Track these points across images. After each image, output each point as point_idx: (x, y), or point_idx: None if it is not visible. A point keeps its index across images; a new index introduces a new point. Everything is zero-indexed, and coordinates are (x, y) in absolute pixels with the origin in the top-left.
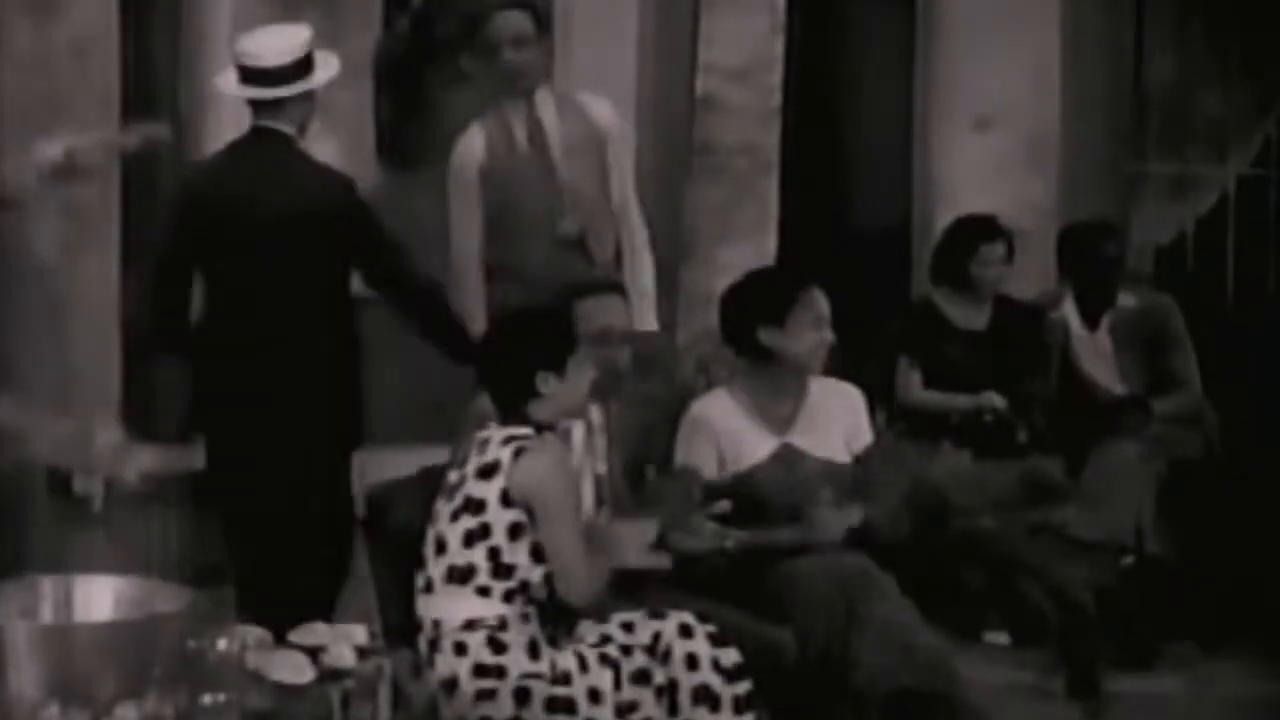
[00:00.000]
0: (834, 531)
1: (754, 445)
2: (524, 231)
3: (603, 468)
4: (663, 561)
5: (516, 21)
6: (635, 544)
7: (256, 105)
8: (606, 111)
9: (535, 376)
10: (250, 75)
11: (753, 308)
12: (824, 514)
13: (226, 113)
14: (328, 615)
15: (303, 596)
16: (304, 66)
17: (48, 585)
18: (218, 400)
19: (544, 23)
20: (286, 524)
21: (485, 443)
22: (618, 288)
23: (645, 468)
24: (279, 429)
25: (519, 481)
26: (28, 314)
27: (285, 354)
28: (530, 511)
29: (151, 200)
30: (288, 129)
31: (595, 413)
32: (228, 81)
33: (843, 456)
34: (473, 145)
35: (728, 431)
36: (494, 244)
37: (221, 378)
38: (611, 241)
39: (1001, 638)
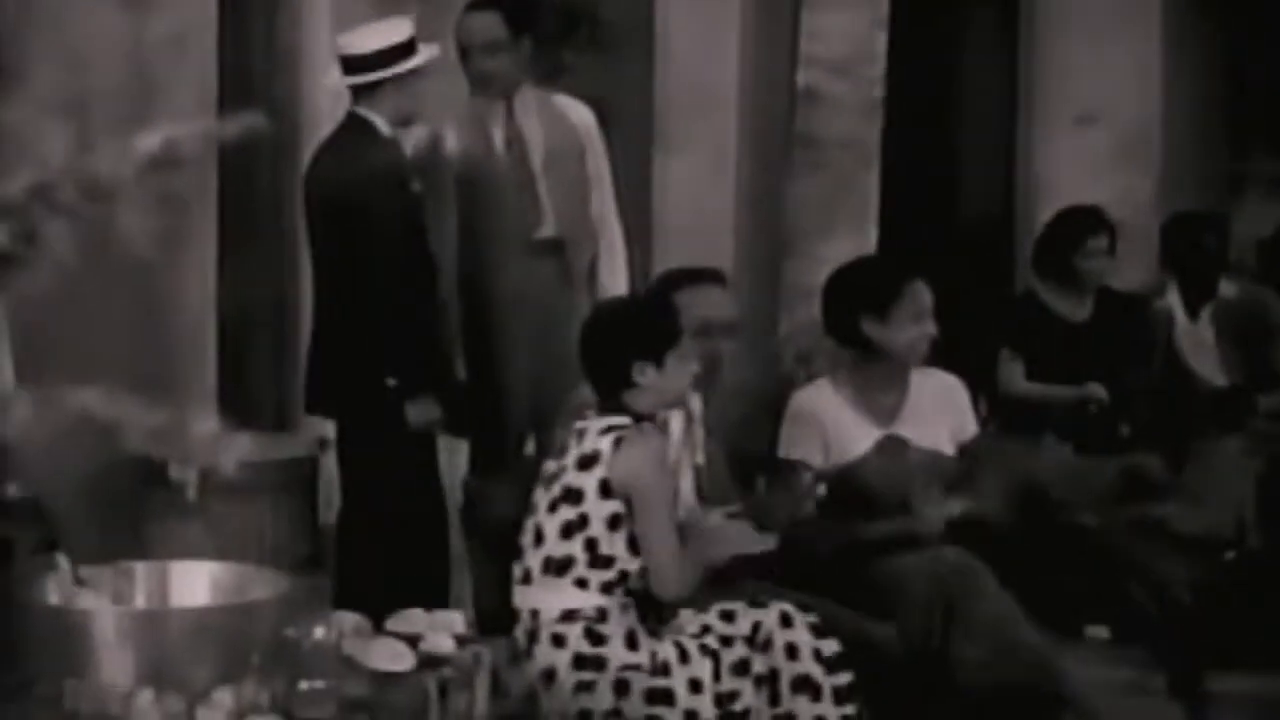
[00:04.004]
0: (936, 523)
1: (858, 437)
2: (498, 238)
3: (702, 459)
4: (767, 543)
5: (487, 25)
6: (733, 540)
7: (355, 93)
8: (585, 116)
9: (633, 367)
10: (348, 64)
11: (855, 298)
12: (927, 505)
13: (324, 103)
14: (438, 603)
15: (409, 584)
16: (401, 52)
17: (142, 571)
18: (339, 382)
19: (521, 25)
20: (400, 509)
21: (583, 433)
22: (719, 278)
23: (748, 460)
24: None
25: (618, 472)
26: (124, 305)
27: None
28: (629, 502)
29: (248, 191)
30: (375, 117)
31: (695, 403)
32: (333, 76)
33: (947, 448)
34: (449, 145)
35: (832, 423)
36: (467, 249)
37: (339, 359)
38: (589, 249)
39: (1102, 633)
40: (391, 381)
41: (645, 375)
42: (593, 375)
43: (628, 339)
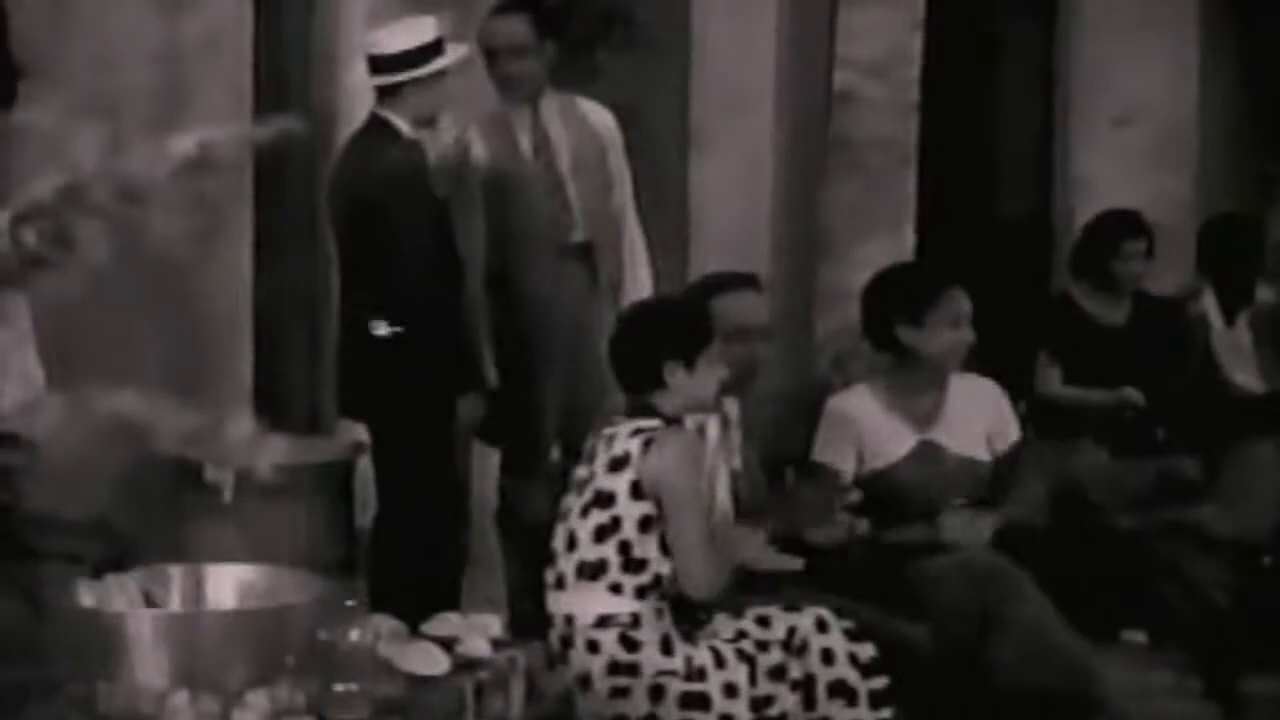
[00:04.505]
0: (963, 539)
1: (894, 441)
2: (528, 242)
3: (738, 463)
4: (793, 563)
5: (514, 28)
6: (753, 545)
7: (380, 93)
8: (606, 119)
9: (664, 366)
10: (376, 63)
11: (892, 304)
12: (954, 519)
13: (359, 105)
14: (454, 604)
15: (431, 585)
16: (428, 53)
17: (177, 574)
18: (368, 386)
19: (546, 28)
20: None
21: (612, 437)
22: (755, 283)
23: (784, 464)
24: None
25: (647, 473)
26: (158, 307)
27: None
28: (659, 503)
29: (283, 192)
30: (396, 118)
31: (732, 408)
32: (360, 74)
33: (983, 454)
34: (476, 151)
35: (868, 428)
36: (496, 255)
37: (367, 362)
38: (616, 253)
39: (1139, 637)
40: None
41: (675, 376)
42: (623, 374)
43: (661, 338)
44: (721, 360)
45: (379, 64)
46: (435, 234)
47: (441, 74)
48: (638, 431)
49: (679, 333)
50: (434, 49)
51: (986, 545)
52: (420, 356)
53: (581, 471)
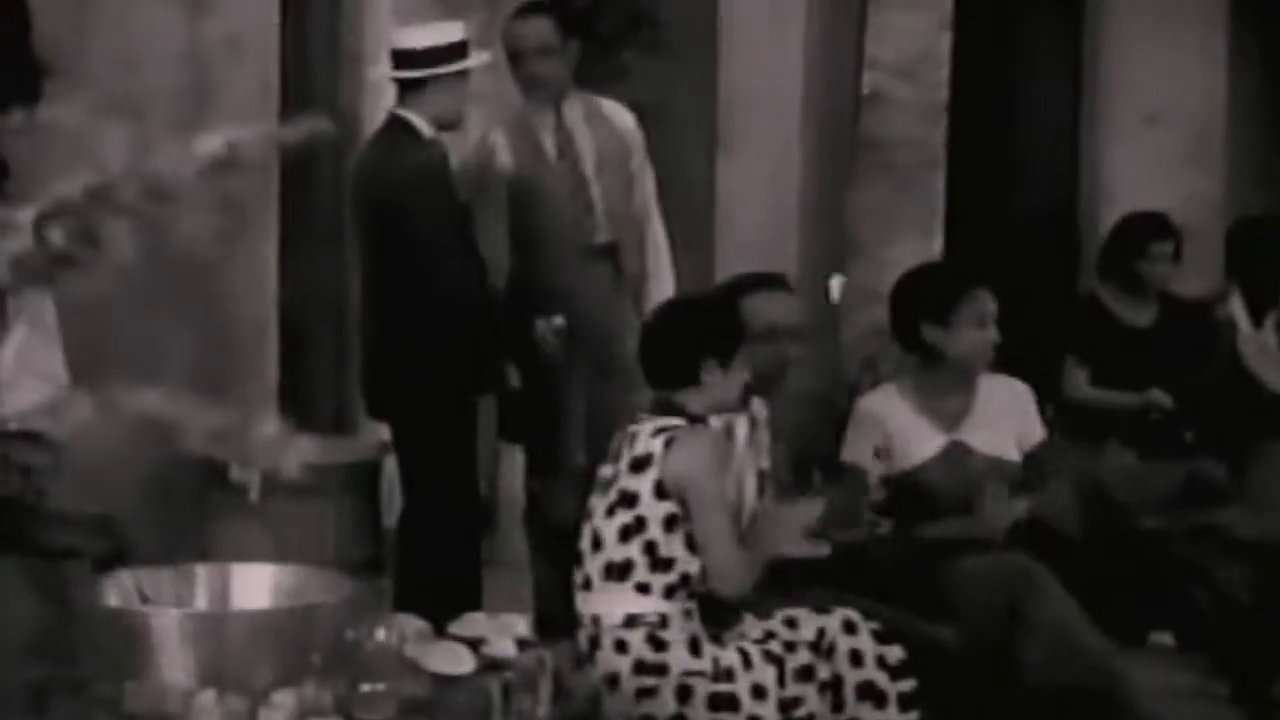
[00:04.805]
0: (1001, 523)
1: (922, 442)
2: (552, 242)
3: (767, 463)
4: (820, 549)
5: (539, 29)
6: (794, 528)
7: (401, 92)
8: (628, 120)
9: (702, 364)
10: (398, 58)
11: (918, 305)
12: (992, 505)
13: (386, 104)
14: (478, 604)
15: (455, 585)
16: (453, 52)
17: (203, 573)
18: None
19: (570, 29)
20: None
21: (635, 436)
22: (785, 283)
23: (811, 465)
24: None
25: (671, 471)
26: (184, 306)
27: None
28: (684, 502)
29: (309, 191)
30: (416, 117)
31: (760, 408)
32: (382, 68)
33: (1012, 455)
34: (499, 153)
35: (896, 428)
36: (519, 254)
37: (390, 362)
38: (639, 253)
39: (1166, 639)
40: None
41: (712, 375)
42: (656, 371)
43: (700, 337)
44: (748, 360)
45: (404, 59)
46: (457, 234)
47: (463, 75)
48: (660, 430)
49: (718, 331)
50: (459, 50)
51: (1016, 547)
52: (441, 357)
53: (606, 471)
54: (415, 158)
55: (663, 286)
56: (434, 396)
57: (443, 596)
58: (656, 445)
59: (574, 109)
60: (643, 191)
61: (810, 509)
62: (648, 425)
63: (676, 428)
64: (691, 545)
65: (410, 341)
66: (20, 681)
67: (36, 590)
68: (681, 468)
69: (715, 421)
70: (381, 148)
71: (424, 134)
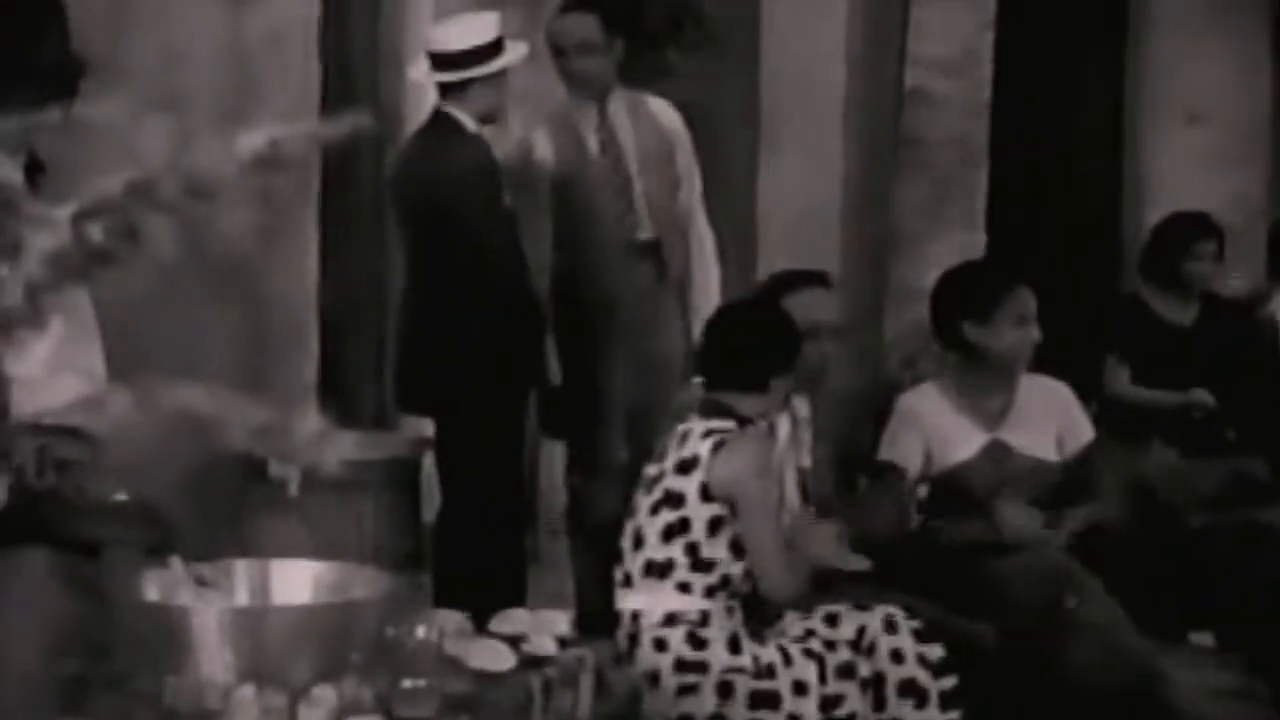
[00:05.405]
0: (1019, 534)
1: (963, 441)
2: (595, 239)
3: (808, 461)
4: (861, 563)
5: (583, 26)
6: (827, 542)
7: (443, 90)
8: (674, 118)
9: (772, 374)
10: (437, 60)
11: (959, 303)
12: (1011, 510)
13: (427, 102)
14: (520, 600)
15: (496, 581)
16: (490, 51)
17: (243, 569)
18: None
19: (615, 26)
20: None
21: (685, 436)
22: (826, 281)
23: (853, 463)
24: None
25: (718, 475)
26: (225, 303)
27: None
28: (731, 505)
29: (350, 188)
30: (462, 114)
31: (802, 406)
32: (419, 69)
33: (1052, 455)
34: (541, 150)
35: (936, 426)
36: (563, 252)
37: (430, 356)
38: (682, 250)
39: (1206, 639)
40: None
41: (777, 383)
42: (722, 376)
43: (773, 349)
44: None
45: (444, 61)
46: (501, 229)
47: (503, 71)
48: (710, 433)
49: (786, 343)
50: (495, 47)
51: (1055, 545)
52: (484, 352)
53: (652, 469)
54: (461, 153)
55: (708, 284)
56: (476, 392)
57: (483, 593)
58: (705, 448)
59: (618, 106)
60: (689, 189)
61: (832, 528)
62: (698, 426)
63: (726, 431)
64: (735, 548)
65: (452, 337)
66: (58, 676)
67: (73, 585)
68: (731, 473)
69: (760, 421)
70: (426, 143)
71: (469, 129)
